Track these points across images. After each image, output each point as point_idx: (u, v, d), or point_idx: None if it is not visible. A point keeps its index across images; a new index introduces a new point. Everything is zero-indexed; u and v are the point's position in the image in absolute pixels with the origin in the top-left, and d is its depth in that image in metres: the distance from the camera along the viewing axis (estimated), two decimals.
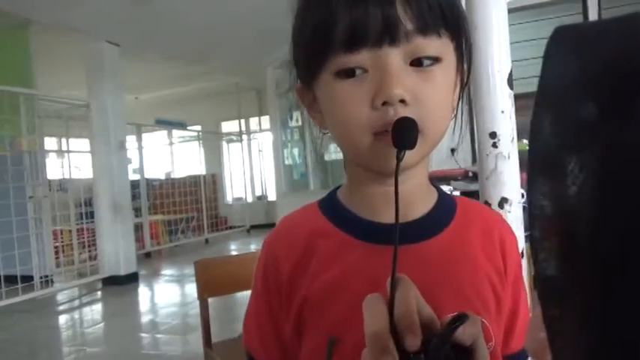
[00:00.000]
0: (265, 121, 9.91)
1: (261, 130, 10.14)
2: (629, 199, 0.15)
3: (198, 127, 9.84)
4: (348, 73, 0.48)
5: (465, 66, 0.54)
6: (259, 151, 10.10)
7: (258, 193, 10.09)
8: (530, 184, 0.19)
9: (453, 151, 3.05)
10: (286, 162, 5.91)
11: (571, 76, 0.17)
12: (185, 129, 10.01)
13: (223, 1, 4.82)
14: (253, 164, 9.99)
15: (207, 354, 1.82)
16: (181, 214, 8.43)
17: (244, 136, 10.01)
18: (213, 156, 9.74)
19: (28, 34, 5.42)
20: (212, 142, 9.97)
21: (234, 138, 10.14)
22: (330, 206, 0.57)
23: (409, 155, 0.44)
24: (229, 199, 10.32)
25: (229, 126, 10.42)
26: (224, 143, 10.31)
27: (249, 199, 9.92)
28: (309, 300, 0.52)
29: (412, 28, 0.46)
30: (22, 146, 5.29)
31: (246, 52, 6.31)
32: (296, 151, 5.86)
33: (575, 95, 0.17)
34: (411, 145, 0.44)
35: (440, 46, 0.48)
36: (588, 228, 0.16)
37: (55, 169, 6.13)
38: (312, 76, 0.51)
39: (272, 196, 9.56)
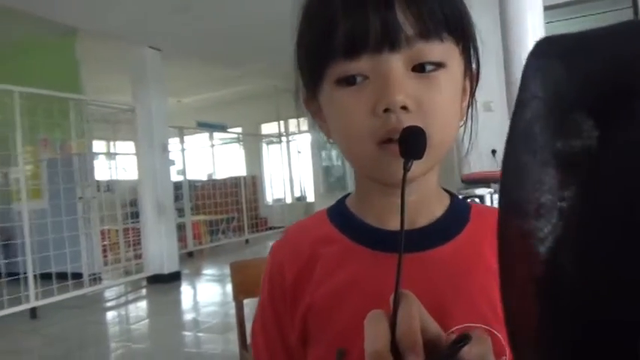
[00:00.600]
0: (304, 122, 9.98)
1: (300, 132, 10.22)
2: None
3: (239, 129, 10.02)
4: (349, 81, 0.47)
5: (474, 71, 0.52)
6: (298, 152, 10.18)
7: (298, 194, 10.17)
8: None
9: (494, 152, 2.97)
10: (324, 163, 5.93)
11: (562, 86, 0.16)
12: (226, 131, 10.22)
13: (261, 5, 4.88)
14: (292, 165, 10.07)
15: (243, 355, 1.83)
16: (222, 215, 8.60)
17: (283, 138, 10.10)
18: (254, 157, 9.90)
19: (75, 41, 5.67)
20: (252, 143, 10.13)
21: (274, 140, 10.26)
22: (338, 213, 0.57)
23: (416, 165, 0.42)
24: (269, 200, 10.45)
25: (269, 128, 10.56)
26: (264, 145, 10.45)
27: (289, 200, 10.01)
28: (313, 307, 0.52)
29: (413, 33, 0.45)
30: (71, 149, 5.54)
31: (284, 54, 6.26)
32: (334, 152, 5.87)
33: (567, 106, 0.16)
34: (419, 155, 0.42)
35: (443, 50, 0.46)
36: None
37: (102, 171, 6.39)
38: (315, 84, 0.51)
39: (311, 197, 9.61)
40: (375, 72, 0.45)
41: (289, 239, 0.59)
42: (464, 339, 0.32)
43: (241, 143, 9.52)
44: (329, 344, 0.50)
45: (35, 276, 4.53)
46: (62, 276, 4.85)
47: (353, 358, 0.46)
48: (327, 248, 0.53)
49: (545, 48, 0.18)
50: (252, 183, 9.97)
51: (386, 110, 0.44)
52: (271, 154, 10.35)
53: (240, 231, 8.81)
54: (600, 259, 0.14)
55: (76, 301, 4.88)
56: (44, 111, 4.74)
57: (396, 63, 0.45)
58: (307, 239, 0.56)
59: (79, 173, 5.46)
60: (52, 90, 4.93)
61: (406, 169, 0.40)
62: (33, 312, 4.45)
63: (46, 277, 4.71)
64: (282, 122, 10.02)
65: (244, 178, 9.27)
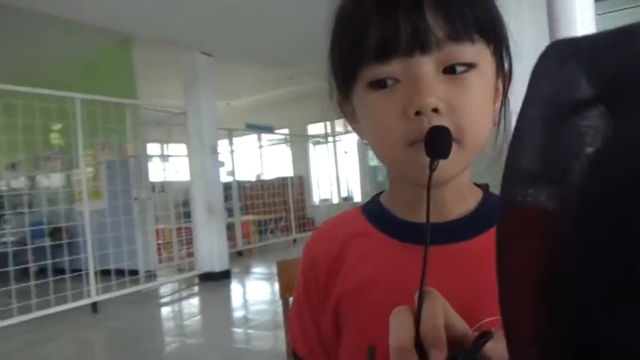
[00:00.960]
0: None
1: (346, 132, 10.21)
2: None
3: (286, 130, 10.15)
4: (381, 84, 0.47)
5: (507, 71, 0.52)
6: (345, 152, 10.18)
7: (344, 194, 10.18)
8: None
9: None
10: (370, 163, 5.91)
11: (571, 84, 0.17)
12: (273, 132, 10.38)
13: (307, 6, 4.93)
14: (339, 166, 10.09)
15: (290, 352, 1.87)
16: (270, 215, 8.74)
17: (330, 138, 10.14)
18: (301, 158, 9.99)
19: (130, 49, 5.94)
20: (299, 144, 10.23)
21: (321, 140, 10.32)
22: (372, 209, 0.58)
23: (446, 166, 0.43)
24: (316, 200, 10.52)
25: (315, 128, 10.63)
26: (310, 145, 10.54)
27: (336, 200, 10.03)
28: (344, 297, 0.53)
29: (443, 35, 0.45)
30: (128, 152, 5.80)
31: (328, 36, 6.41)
32: None
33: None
34: (445, 155, 0.42)
35: (474, 52, 0.46)
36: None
37: (157, 173, 6.65)
38: (348, 87, 0.52)
39: (357, 197, 9.60)
40: (406, 75, 0.46)
41: (322, 235, 0.61)
42: (486, 335, 0.32)
43: (288, 144, 9.64)
44: (358, 332, 0.51)
45: (96, 272, 4.78)
46: (120, 272, 5.10)
47: (381, 347, 0.48)
48: (359, 241, 0.55)
49: (556, 49, 0.18)
50: (300, 183, 10.07)
51: (417, 113, 0.45)
52: (318, 155, 10.42)
53: (287, 231, 8.93)
54: (601, 256, 0.15)
55: (133, 296, 5.11)
56: (102, 116, 4.99)
57: (427, 66, 0.45)
58: (340, 234, 0.57)
59: (135, 175, 5.72)
60: (110, 96, 5.19)
61: (432, 169, 0.41)
62: (94, 306, 4.70)
63: (105, 274, 4.96)
64: (328, 123, 10.07)
65: (291, 178, 9.38)
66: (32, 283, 4.28)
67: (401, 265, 0.51)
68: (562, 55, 0.18)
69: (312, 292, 0.58)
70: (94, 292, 4.72)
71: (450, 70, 0.46)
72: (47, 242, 4.75)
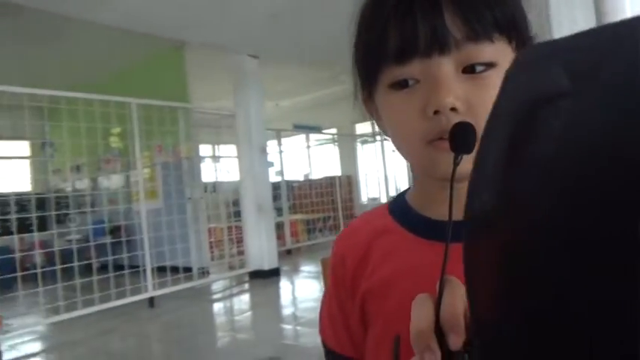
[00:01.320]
0: None
1: None
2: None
3: (334, 130, 10.18)
4: (401, 84, 0.48)
5: None
6: (393, 151, 10.02)
7: (392, 193, 10.09)
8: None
9: None
10: None
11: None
12: (321, 132, 10.44)
13: (347, 5, 4.94)
14: (387, 164, 10.02)
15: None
16: (319, 214, 8.81)
17: (378, 137, 10.08)
18: (348, 157, 9.99)
19: (183, 54, 6.17)
20: (347, 143, 10.23)
21: (368, 139, 10.28)
22: (397, 206, 0.59)
23: (468, 162, 0.44)
24: (364, 199, 10.49)
25: (363, 127, 10.60)
26: (358, 144, 10.52)
27: (384, 200, 9.96)
28: (369, 292, 0.55)
29: (462, 36, 0.45)
30: (181, 153, 6.03)
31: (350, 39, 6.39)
32: None
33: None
34: (469, 150, 0.43)
35: (494, 51, 0.46)
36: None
37: (208, 173, 6.86)
38: (371, 87, 0.53)
39: None
40: (426, 75, 0.47)
41: (350, 232, 0.63)
42: None
43: (336, 143, 9.67)
44: (385, 325, 0.53)
45: (152, 269, 5.00)
46: (175, 269, 5.30)
47: (406, 339, 0.49)
48: (385, 238, 0.57)
49: (531, 50, 0.19)
50: (348, 182, 10.08)
51: (436, 112, 0.46)
52: (366, 154, 10.38)
53: (336, 230, 8.95)
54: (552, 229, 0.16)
55: (187, 292, 5.31)
56: (157, 119, 5.21)
57: (446, 66, 0.46)
58: (366, 231, 0.59)
59: (188, 175, 5.94)
60: (164, 100, 5.42)
61: (456, 164, 0.41)
62: (151, 301, 4.92)
63: (161, 270, 5.18)
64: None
65: (339, 177, 9.41)
66: (95, 278, 4.54)
67: (424, 261, 0.52)
68: (536, 55, 0.19)
69: (341, 288, 0.60)
70: (151, 288, 4.94)
71: (469, 69, 0.46)
72: (108, 240, 5.01)
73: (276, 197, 7.20)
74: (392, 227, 0.57)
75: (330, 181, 9.34)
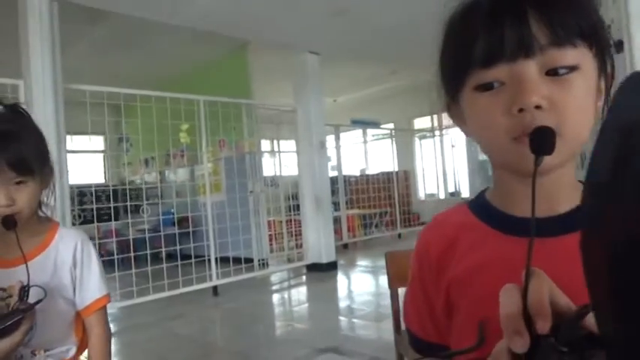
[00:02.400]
0: None
1: (454, 125, 9.90)
2: None
3: (391, 125, 10.12)
4: (487, 87, 0.53)
5: (609, 71, 0.54)
6: (452, 146, 9.89)
7: (451, 189, 9.91)
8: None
9: None
10: (480, 157, 5.71)
11: None
12: (378, 127, 10.40)
13: (412, 3, 4.93)
14: (446, 160, 9.84)
15: (397, 339, 1.95)
16: (375, 209, 8.81)
17: (437, 132, 9.93)
18: (406, 152, 9.91)
19: (246, 53, 6.37)
20: (404, 138, 10.14)
21: (427, 134, 10.14)
22: (478, 203, 0.64)
23: (549, 158, 0.47)
24: (422, 195, 10.37)
25: (421, 122, 10.46)
26: (416, 140, 10.40)
27: (442, 196, 9.81)
28: (455, 280, 0.60)
29: (546, 42, 0.49)
30: (244, 148, 6.24)
31: (436, 46, 6.29)
32: None
33: None
34: (549, 152, 0.46)
35: (576, 55, 0.50)
36: None
37: (268, 168, 7.05)
38: (456, 91, 0.58)
39: (465, 193, 9.30)
40: (511, 77, 0.51)
41: (435, 224, 0.69)
42: (587, 307, 0.34)
43: (393, 139, 9.60)
44: (468, 312, 0.58)
45: (217, 259, 5.24)
46: (237, 260, 5.52)
47: (490, 324, 0.53)
48: (468, 233, 0.62)
49: (635, 79, 0.23)
50: (405, 178, 10.00)
51: (520, 110, 0.50)
52: (424, 149, 10.24)
53: (392, 225, 8.93)
54: None
55: (248, 282, 5.52)
56: (223, 115, 5.43)
57: (530, 69, 0.50)
58: (450, 225, 0.65)
59: (250, 169, 6.15)
60: (228, 96, 5.63)
61: (536, 164, 0.45)
62: (215, 289, 5.17)
63: (224, 260, 5.42)
64: (435, 116, 9.86)
65: (396, 173, 9.36)
66: (164, 265, 4.83)
67: (505, 255, 0.56)
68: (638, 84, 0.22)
69: (426, 275, 0.65)
70: (215, 277, 5.18)
71: (552, 72, 0.50)
72: (176, 230, 5.29)
73: (333, 192, 7.28)
74: (474, 223, 0.62)
75: (387, 177, 9.30)
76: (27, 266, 0.98)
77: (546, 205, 0.55)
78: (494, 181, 0.63)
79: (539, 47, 0.50)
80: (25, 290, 0.95)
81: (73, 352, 1.15)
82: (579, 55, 0.51)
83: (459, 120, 0.63)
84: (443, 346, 0.64)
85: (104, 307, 1.17)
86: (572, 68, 0.50)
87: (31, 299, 0.95)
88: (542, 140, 0.47)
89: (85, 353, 1.18)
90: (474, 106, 0.56)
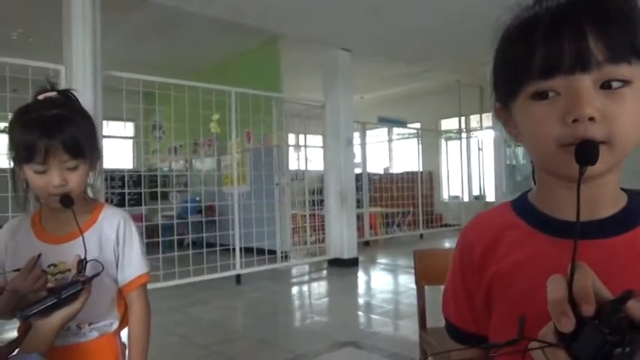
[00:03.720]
0: (487, 118, 9.55)
1: (482, 128, 9.81)
2: None
3: (418, 125, 10.06)
4: (542, 96, 0.55)
5: None
6: (479, 149, 9.78)
7: (476, 192, 9.81)
8: None
9: None
10: (508, 162, 5.65)
11: None
12: (405, 126, 10.35)
13: (444, 5, 4.91)
14: (472, 163, 9.74)
15: (422, 336, 1.97)
16: (398, 208, 8.80)
17: (464, 134, 9.83)
18: (431, 153, 9.84)
19: (278, 47, 6.43)
20: (430, 139, 10.07)
21: (453, 135, 10.05)
22: (521, 204, 0.67)
23: (595, 166, 0.50)
24: (445, 196, 10.29)
25: (449, 123, 10.37)
26: (442, 140, 10.31)
27: (466, 199, 9.73)
28: (496, 277, 0.63)
29: (603, 58, 0.52)
30: (272, 141, 6.31)
31: (467, 48, 6.23)
32: (520, 151, 5.56)
33: None
34: (592, 163, 0.50)
35: (630, 71, 0.53)
36: None
37: (294, 161, 7.11)
38: (509, 98, 0.61)
39: (490, 197, 9.19)
40: (567, 89, 0.54)
41: (478, 223, 0.72)
42: (630, 293, 0.38)
43: (419, 138, 9.54)
44: (508, 306, 0.61)
45: (241, 248, 5.33)
46: (260, 251, 5.60)
47: (530, 318, 0.54)
48: (511, 232, 0.65)
49: None
50: (429, 179, 9.94)
51: (574, 121, 0.53)
52: (450, 151, 10.15)
53: (414, 225, 8.90)
54: None
55: (270, 273, 5.60)
56: (253, 108, 5.49)
57: (586, 82, 0.53)
58: (493, 224, 0.68)
59: (276, 162, 6.21)
60: (259, 89, 5.70)
61: (581, 173, 0.48)
62: (238, 278, 5.26)
63: (247, 250, 5.50)
64: (462, 118, 9.76)
65: (421, 173, 9.31)
66: (190, 252, 4.93)
67: (546, 255, 0.59)
68: None
69: (467, 270, 0.69)
70: (239, 266, 5.27)
71: (606, 85, 0.53)
72: (202, 218, 5.39)
73: (356, 189, 7.29)
74: (516, 222, 0.65)
75: (411, 176, 9.27)
76: (84, 240, 1.04)
77: (589, 209, 0.57)
78: (538, 184, 0.66)
79: (595, 62, 0.52)
80: (83, 263, 1.01)
81: (115, 326, 1.20)
82: (633, 72, 0.53)
83: (509, 125, 0.65)
84: (480, 336, 0.68)
85: (144, 284, 1.22)
86: (626, 82, 0.53)
87: (88, 273, 1.01)
88: (587, 151, 0.50)
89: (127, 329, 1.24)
90: (529, 114, 0.58)
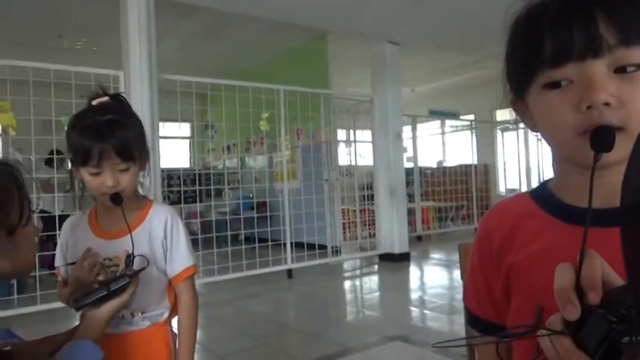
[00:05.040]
0: None
1: None
2: None
3: (471, 117, 9.79)
4: (555, 85, 0.55)
5: None
6: (538, 140, 9.35)
7: (534, 184, 9.39)
8: None
9: None
10: None
11: None
12: (458, 118, 10.10)
13: None
14: (530, 154, 9.35)
15: (469, 332, 1.95)
16: (451, 202, 8.61)
17: (520, 125, 9.44)
18: (486, 145, 9.54)
19: (326, 43, 6.46)
20: (485, 130, 9.77)
21: (510, 127, 9.69)
22: (540, 193, 0.67)
23: (611, 154, 0.49)
24: (502, 189, 9.96)
25: (504, 114, 10.01)
26: (498, 132, 9.97)
27: (524, 191, 9.32)
28: (515, 266, 0.63)
29: (614, 42, 0.51)
30: (320, 137, 6.36)
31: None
32: None
33: None
34: (608, 149, 0.49)
35: None
36: None
37: (343, 157, 7.13)
38: (523, 89, 0.60)
39: None
40: (580, 76, 0.53)
41: (496, 212, 0.72)
42: (637, 282, 0.37)
43: (473, 130, 9.27)
44: (527, 296, 0.61)
45: (292, 243, 5.43)
46: (310, 246, 5.68)
47: (548, 308, 0.55)
48: (530, 221, 0.64)
49: None
50: (484, 172, 9.65)
51: (589, 107, 0.52)
52: (506, 142, 9.79)
53: (468, 219, 8.69)
54: None
55: (321, 267, 5.66)
56: (301, 105, 5.56)
57: (599, 67, 0.52)
58: (512, 213, 0.67)
59: (325, 158, 6.26)
60: (307, 86, 5.76)
61: (595, 160, 0.48)
62: (289, 272, 5.36)
63: (298, 246, 5.59)
64: None
65: (475, 166, 9.06)
66: (243, 247, 5.09)
67: (564, 242, 0.58)
68: None
69: (486, 260, 0.68)
70: (290, 260, 5.37)
71: (621, 69, 0.52)
72: (254, 214, 5.54)
73: (408, 183, 7.22)
74: (535, 211, 0.65)
75: (465, 169, 9.04)
76: (131, 237, 1.12)
77: (608, 197, 0.56)
78: (557, 173, 0.65)
79: (607, 47, 0.51)
80: (130, 258, 1.09)
81: (166, 315, 1.29)
82: None
83: (524, 115, 0.64)
84: (500, 325, 0.67)
85: (192, 276, 1.29)
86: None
87: (135, 267, 1.09)
88: (603, 138, 0.49)
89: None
90: (543, 104, 0.57)
